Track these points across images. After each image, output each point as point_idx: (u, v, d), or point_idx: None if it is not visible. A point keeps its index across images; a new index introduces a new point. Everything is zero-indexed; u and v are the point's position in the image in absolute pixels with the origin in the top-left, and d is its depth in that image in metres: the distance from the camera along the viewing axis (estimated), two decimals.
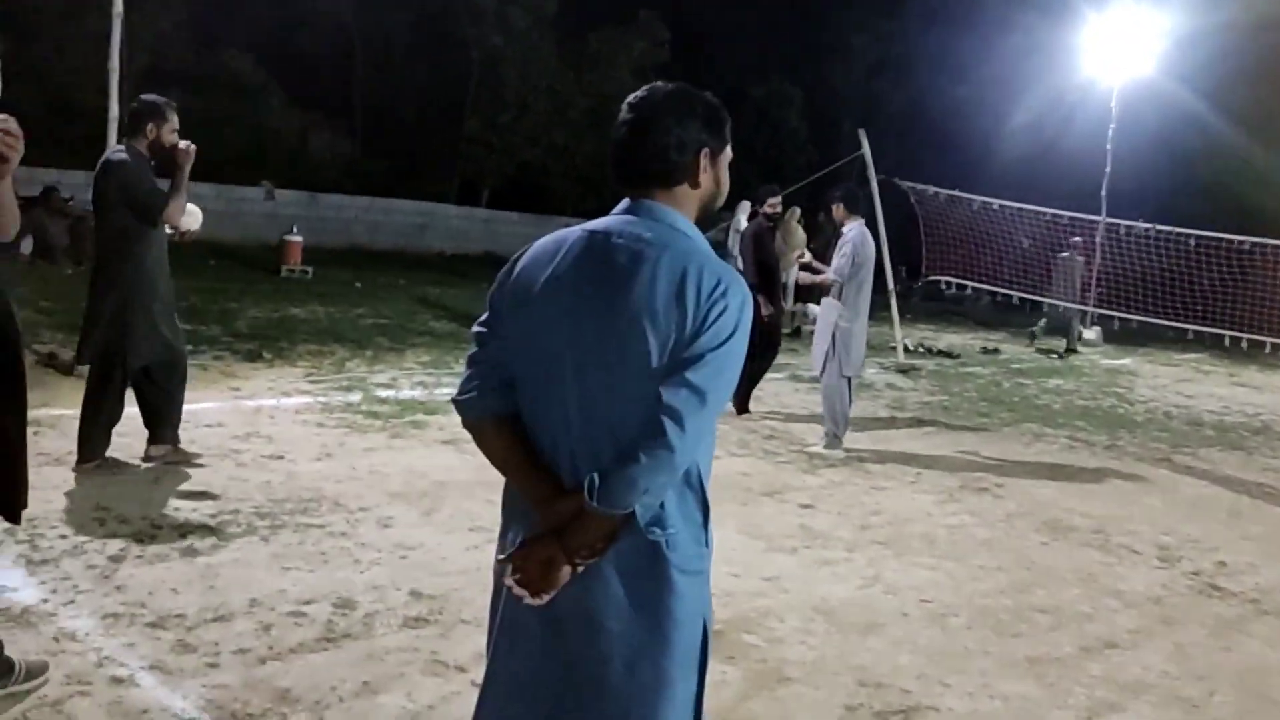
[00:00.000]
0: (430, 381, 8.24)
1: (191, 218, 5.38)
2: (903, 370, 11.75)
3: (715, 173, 2.02)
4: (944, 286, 16.45)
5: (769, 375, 8.92)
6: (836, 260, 6.95)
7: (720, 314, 1.80)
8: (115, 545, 4.21)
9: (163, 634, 3.48)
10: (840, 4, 25.25)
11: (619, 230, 1.91)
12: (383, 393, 7.64)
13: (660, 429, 1.76)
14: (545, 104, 21.21)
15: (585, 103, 21.96)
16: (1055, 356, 14.69)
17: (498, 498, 5.29)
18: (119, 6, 6.86)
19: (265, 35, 20.96)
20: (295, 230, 14.68)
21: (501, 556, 2.02)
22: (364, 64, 23.08)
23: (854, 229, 7.03)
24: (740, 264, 16.17)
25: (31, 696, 2.98)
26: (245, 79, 20.17)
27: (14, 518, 2.93)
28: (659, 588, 1.85)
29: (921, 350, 13.76)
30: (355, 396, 7.43)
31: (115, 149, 5.20)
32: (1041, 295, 15.66)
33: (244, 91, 20.02)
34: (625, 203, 1.99)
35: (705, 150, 1.98)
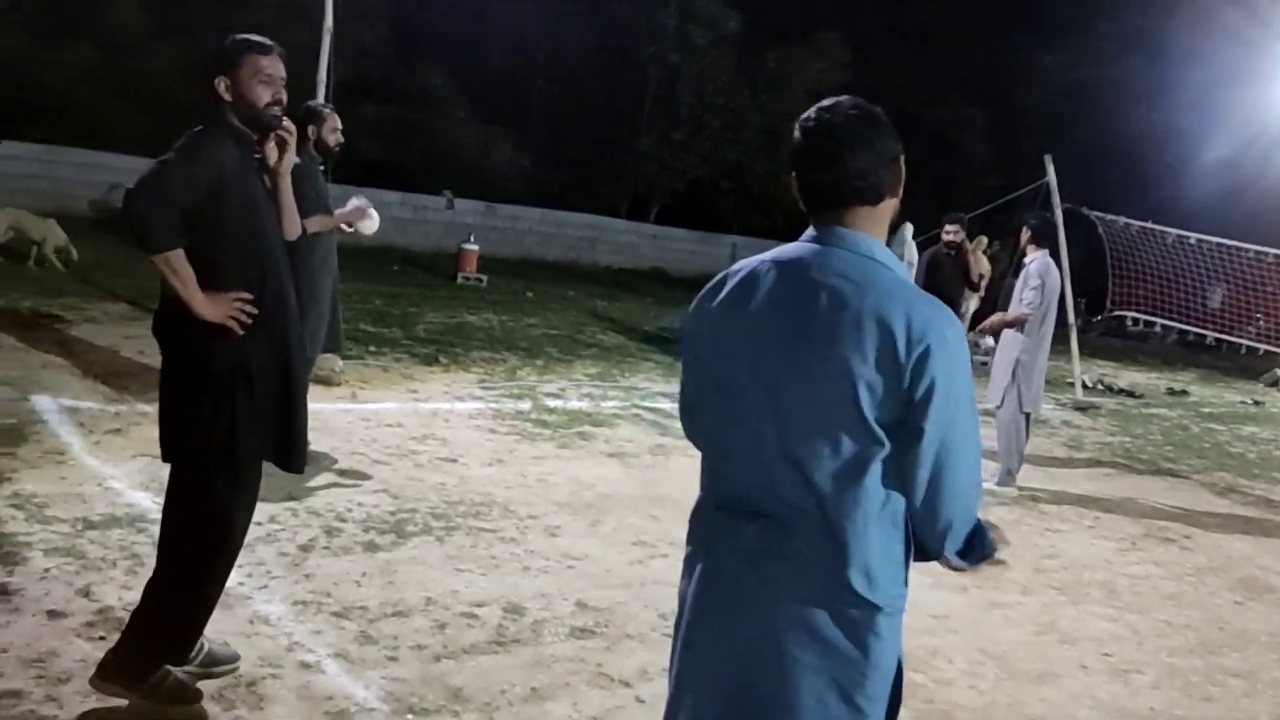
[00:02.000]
0: (597, 394, 8.38)
1: (370, 221, 5.69)
2: (1081, 408, 11.21)
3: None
4: (1130, 322, 15.64)
5: None
6: (1026, 293, 6.70)
7: (936, 357, 1.74)
8: (305, 535, 4.45)
9: (346, 624, 3.66)
10: (1029, 25, 24.40)
11: (815, 264, 1.87)
12: (552, 402, 7.82)
13: (932, 492, 1.79)
14: (719, 122, 21.30)
15: (760, 122, 21.93)
16: (1252, 403, 13.73)
17: (661, 513, 5.36)
18: (329, 21, 7.30)
19: (455, 51, 21.86)
20: (472, 239, 15.22)
21: (686, 583, 2.03)
22: (545, 80, 23.74)
23: (1038, 260, 6.77)
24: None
25: (229, 675, 3.18)
26: (435, 92, 21.07)
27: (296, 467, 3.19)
28: (859, 627, 1.81)
29: (1101, 388, 13.11)
30: (525, 405, 7.62)
31: None
32: (1241, 336, 14.66)
33: (433, 104, 20.91)
34: (816, 229, 1.94)
35: (900, 157, 1.94)
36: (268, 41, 3.07)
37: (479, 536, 4.77)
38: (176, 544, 3.00)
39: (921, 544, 1.89)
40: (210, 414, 2.93)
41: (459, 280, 14.59)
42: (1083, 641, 4.35)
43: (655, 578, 4.54)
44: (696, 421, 2.04)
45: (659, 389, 8.98)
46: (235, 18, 19.56)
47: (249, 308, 2.91)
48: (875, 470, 1.78)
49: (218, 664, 3.19)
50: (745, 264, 2.00)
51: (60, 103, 15.93)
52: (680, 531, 5.09)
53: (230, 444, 2.95)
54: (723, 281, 2.01)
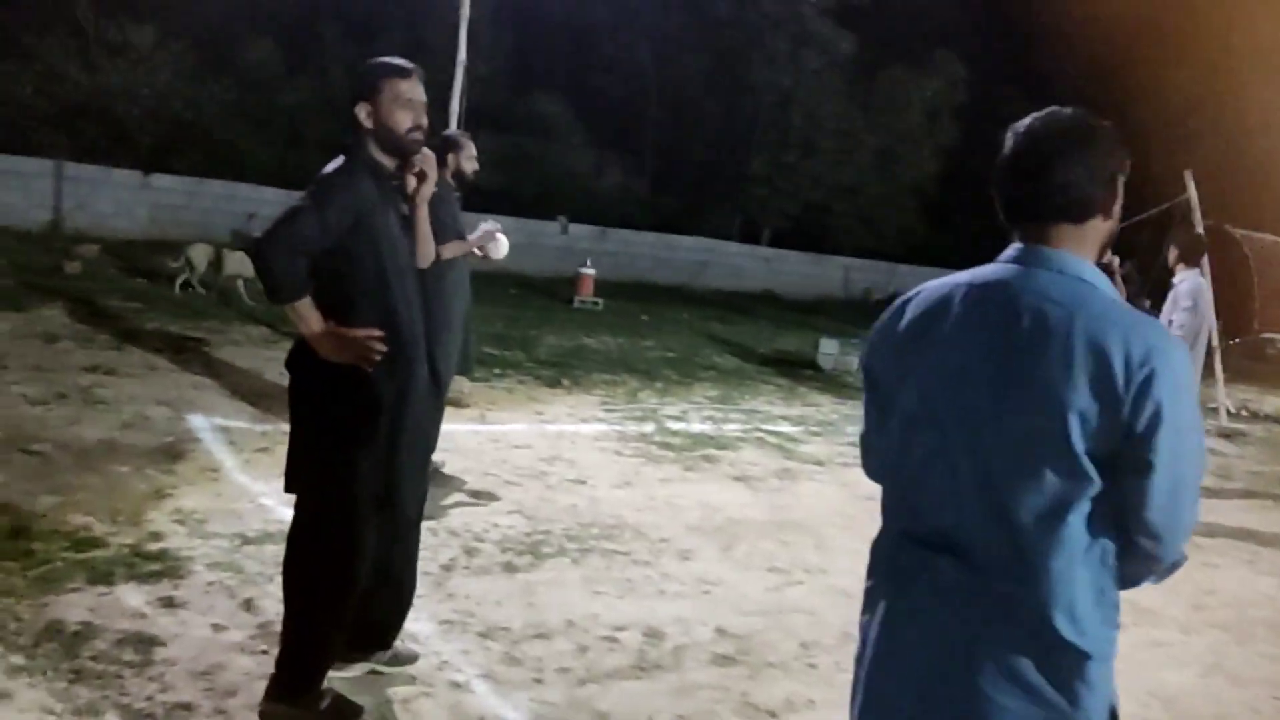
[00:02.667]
0: (718, 416, 8.34)
1: (500, 245, 5.78)
2: (1226, 435, 10.68)
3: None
4: (1269, 345, 14.86)
5: None
6: (1177, 314, 6.43)
7: (1158, 383, 1.62)
8: (446, 555, 4.53)
9: (492, 645, 3.70)
10: (1155, 40, 23.53)
11: (1016, 286, 1.76)
12: (674, 425, 7.81)
13: (1161, 528, 1.70)
14: (832, 144, 21.12)
15: (874, 143, 21.69)
16: None
17: (793, 539, 5.28)
18: (463, 54, 7.52)
19: (569, 79, 22.27)
20: (589, 263, 15.39)
21: (868, 618, 1.97)
22: (657, 105, 23.95)
23: (1188, 280, 6.50)
24: None
25: (384, 693, 3.24)
26: (551, 120, 21.45)
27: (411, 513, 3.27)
28: (1066, 674, 1.70)
29: (1245, 414, 12.46)
30: (648, 427, 7.64)
31: None
32: None
33: (548, 131, 21.29)
34: (1017, 248, 1.84)
35: (1120, 177, 1.82)
36: (408, 64, 3.07)
37: (613, 559, 4.78)
38: (299, 572, 3.06)
39: (1131, 577, 1.79)
40: (333, 448, 2.97)
41: (575, 304, 14.77)
42: (1254, 684, 4.11)
43: (793, 605, 4.47)
44: (881, 453, 1.98)
45: (780, 412, 8.90)
46: (364, 53, 20.37)
47: (378, 345, 2.91)
48: (1083, 507, 1.67)
49: (400, 662, 3.35)
50: (931, 288, 1.91)
51: (203, 137, 16.75)
52: (814, 558, 5.05)
53: (351, 479, 2.97)
54: (904, 307, 1.93)
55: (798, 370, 11.47)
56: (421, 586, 4.12)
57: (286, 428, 6.06)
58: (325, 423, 2.98)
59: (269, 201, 15.63)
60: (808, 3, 20.45)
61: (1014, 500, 1.71)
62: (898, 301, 1.98)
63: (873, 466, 2.08)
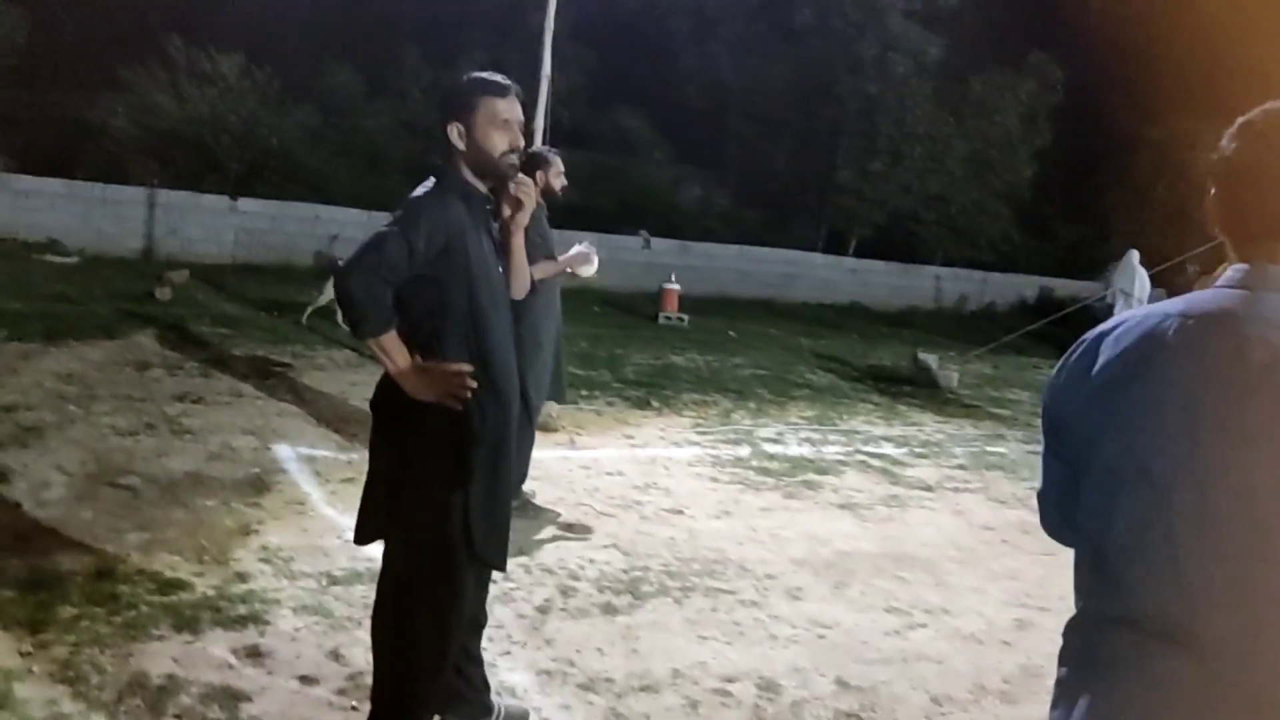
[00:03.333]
0: (816, 438, 7.98)
1: (591, 265, 5.51)
2: None
3: None
4: None
5: None
6: None
7: None
8: (541, 595, 4.27)
9: (594, 699, 3.42)
10: (1268, 33, 22.45)
11: (1246, 316, 1.45)
12: (771, 448, 7.47)
13: None
14: (921, 151, 20.52)
15: (964, 149, 21.00)
16: None
17: (910, 575, 4.90)
18: (547, 68, 7.33)
19: (650, 93, 22.07)
20: (673, 278, 15.12)
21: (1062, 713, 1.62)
22: (739, 116, 23.62)
23: None
24: (1121, 309, 14.59)
25: None
26: (632, 135, 21.29)
27: (501, 566, 2.95)
28: None
29: None
30: (744, 451, 7.31)
31: None
32: None
33: (629, 146, 21.13)
34: (1241, 269, 1.52)
35: None
36: (505, 81, 2.82)
37: (718, 599, 4.47)
38: (394, 626, 2.81)
39: None
40: (425, 492, 2.72)
41: (660, 320, 14.50)
42: None
43: (918, 652, 4.11)
44: (1073, 516, 1.64)
45: (880, 433, 8.49)
46: (444, 76, 20.47)
47: (470, 381, 2.66)
48: None
49: None
50: (1132, 323, 1.56)
51: (286, 162, 16.94)
52: (934, 597, 4.65)
53: (446, 523, 2.71)
54: (1097, 345, 1.59)
55: (895, 386, 11.02)
56: (517, 631, 3.89)
57: None
58: (416, 466, 2.74)
59: (351, 223, 15.70)
60: (894, 9, 19.92)
61: (1254, 573, 1.38)
62: (1087, 338, 1.63)
63: (1056, 526, 1.75)
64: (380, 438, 2.84)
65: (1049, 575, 5.27)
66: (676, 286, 14.99)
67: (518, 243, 3.01)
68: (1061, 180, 23.66)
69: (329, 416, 6.81)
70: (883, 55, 20.07)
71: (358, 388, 7.62)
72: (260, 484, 5.34)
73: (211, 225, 15.29)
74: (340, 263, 2.66)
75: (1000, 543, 5.82)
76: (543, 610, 4.13)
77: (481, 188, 2.86)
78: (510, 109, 2.80)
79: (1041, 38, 21.66)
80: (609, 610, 4.21)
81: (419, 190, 2.79)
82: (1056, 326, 15.59)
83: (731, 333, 14.18)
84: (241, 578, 4.10)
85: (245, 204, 15.47)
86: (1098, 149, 25.16)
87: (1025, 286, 22.58)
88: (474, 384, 2.68)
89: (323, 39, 19.74)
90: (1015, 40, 21.78)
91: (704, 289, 17.84)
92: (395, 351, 2.66)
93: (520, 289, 3.05)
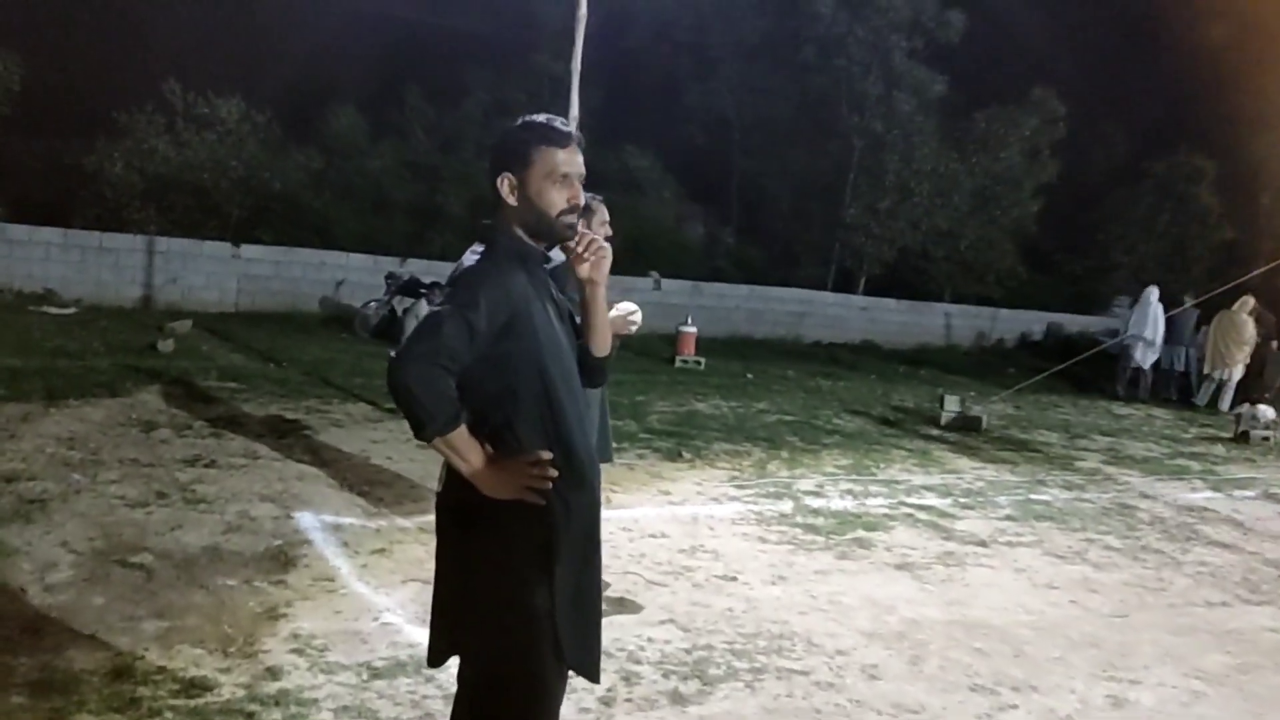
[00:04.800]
0: (858, 490, 7.61)
1: (633, 324, 5.14)
2: None
3: None
4: None
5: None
6: None
7: None
8: (603, 683, 3.87)
9: None
10: (1267, 69, 22.38)
11: None
12: (813, 502, 7.10)
13: None
14: (928, 187, 20.32)
15: (971, 185, 20.81)
16: None
17: (986, 645, 4.50)
18: (575, 110, 7.04)
19: (653, 131, 21.86)
20: (690, 321, 14.79)
21: None
22: (742, 155, 23.44)
23: None
24: (1141, 354, 14.22)
25: None
26: (639, 175, 21.05)
27: (595, 677, 2.59)
28: None
29: None
30: (786, 506, 6.94)
31: None
32: None
33: (636, 185, 20.89)
34: None
35: None
36: (565, 128, 2.46)
37: (792, 682, 4.09)
38: None
39: None
40: (511, 601, 2.36)
41: (677, 364, 14.15)
42: None
43: None
44: None
45: (921, 481, 8.13)
46: (448, 117, 20.27)
47: (550, 470, 2.32)
48: None
49: None
50: None
51: (289, 206, 16.65)
52: (1016, 672, 4.27)
53: (537, 635, 2.36)
54: None
55: (922, 429, 10.67)
56: None
57: (401, 522, 5.55)
58: (495, 571, 2.38)
59: (356, 268, 15.41)
60: (897, 47, 19.79)
61: None
62: None
63: None
64: (451, 541, 2.47)
65: (1128, 641, 4.92)
66: (693, 329, 14.66)
67: (599, 295, 2.63)
68: (1065, 214, 23.47)
69: (352, 479, 6.44)
70: (887, 93, 19.93)
71: (380, 445, 7.25)
72: (285, 558, 4.97)
73: (213, 273, 14.97)
74: (392, 354, 2.30)
75: (1069, 604, 5.45)
76: (607, 703, 3.75)
77: (538, 248, 2.51)
78: (571, 161, 2.45)
79: (1043, 73, 21.58)
80: (677, 700, 3.83)
81: (469, 258, 2.42)
82: (1074, 365, 15.32)
83: (749, 375, 13.84)
84: (272, 673, 3.72)
85: (248, 250, 15.16)
86: (1100, 183, 25.05)
87: (1033, 322, 22.31)
88: (555, 473, 2.34)
89: (323, 80, 19.55)
90: (1018, 76, 21.68)
91: (716, 330, 17.54)
92: (467, 449, 2.30)
93: (603, 346, 2.69)
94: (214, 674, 3.68)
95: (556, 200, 2.44)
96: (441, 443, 2.27)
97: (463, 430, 2.28)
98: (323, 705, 3.51)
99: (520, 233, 2.47)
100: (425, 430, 2.25)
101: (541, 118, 2.47)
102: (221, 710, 3.42)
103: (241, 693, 3.55)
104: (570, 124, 2.50)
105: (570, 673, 2.50)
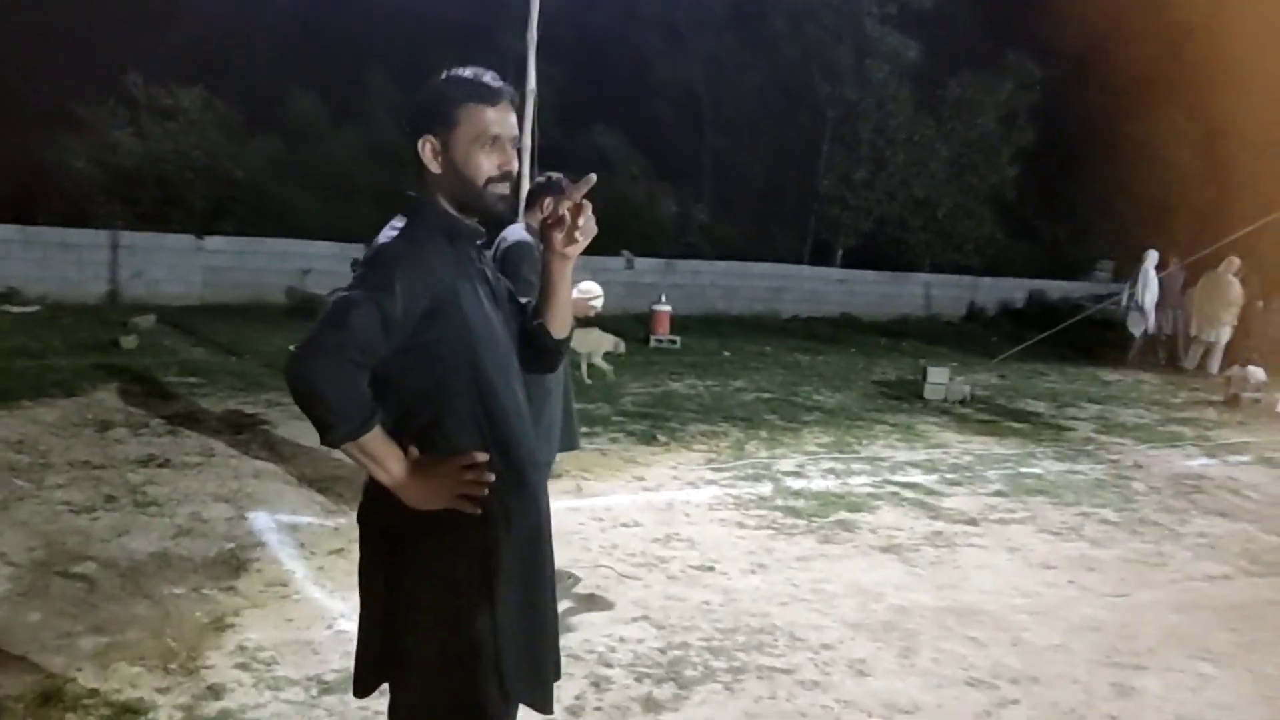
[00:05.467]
0: (840, 469, 7.39)
1: (594, 305, 4.88)
2: None
3: None
4: None
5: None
6: None
7: None
8: (570, 689, 3.64)
9: None
10: (1243, 29, 22.20)
11: None
12: (794, 483, 6.88)
13: None
14: (904, 156, 20.06)
15: (946, 152, 20.57)
16: None
17: (981, 634, 4.26)
18: (532, 83, 6.76)
19: (620, 108, 21.51)
20: (664, 300, 14.51)
21: None
22: (713, 129, 23.13)
23: None
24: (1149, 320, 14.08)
25: None
26: (607, 153, 20.70)
27: (547, 708, 2.29)
28: None
29: None
30: (765, 488, 6.71)
31: (513, 226, 4.74)
32: None
33: (605, 164, 20.55)
34: None
35: None
36: (495, 83, 2.15)
37: (775, 681, 3.86)
38: None
39: None
40: (444, 624, 2.10)
41: (652, 343, 13.89)
42: None
43: None
44: None
45: (905, 457, 7.91)
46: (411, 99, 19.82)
47: (485, 475, 2.05)
48: None
49: None
50: None
51: (253, 195, 16.25)
52: (1015, 662, 4.03)
53: (471, 670, 2.09)
54: None
55: (905, 404, 10.46)
56: None
57: None
58: (426, 591, 2.12)
59: (321, 256, 15.03)
60: (869, 14, 19.45)
61: None
62: None
63: None
64: (376, 558, 2.19)
65: (1131, 623, 4.71)
66: (667, 308, 14.38)
67: (568, 273, 2.33)
68: (1042, 179, 23.26)
69: (311, 475, 6.16)
70: (860, 61, 19.62)
71: None
72: (236, 562, 4.70)
73: (178, 265, 14.59)
74: (292, 349, 2.01)
75: (1067, 584, 5.24)
76: (574, 712, 3.51)
77: (467, 222, 2.20)
78: (502, 121, 2.15)
79: (1018, 37, 21.31)
80: (651, 707, 3.59)
81: (386, 234, 2.11)
82: (1059, 332, 15.18)
83: (726, 353, 13.59)
84: (214, 692, 3.46)
85: (212, 242, 14.78)
86: (1077, 147, 24.86)
87: (1014, 289, 22.14)
88: (492, 477, 2.07)
89: (284, 66, 19.08)
90: (992, 41, 21.40)
91: (691, 307, 17.27)
92: (385, 455, 2.02)
93: (563, 326, 2.40)
94: (151, 695, 3.42)
95: (486, 166, 2.14)
96: (354, 448, 2.00)
97: (378, 433, 2.00)
98: None
99: (445, 204, 2.16)
100: (333, 434, 1.97)
101: (468, 71, 2.15)
102: None
103: (179, 715, 3.29)
104: (500, 80, 2.20)
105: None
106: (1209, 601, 5.10)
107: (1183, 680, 4.10)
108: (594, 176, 2.30)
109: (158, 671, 3.59)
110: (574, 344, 8.59)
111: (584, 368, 10.34)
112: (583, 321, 5.67)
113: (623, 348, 10.75)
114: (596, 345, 10.51)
